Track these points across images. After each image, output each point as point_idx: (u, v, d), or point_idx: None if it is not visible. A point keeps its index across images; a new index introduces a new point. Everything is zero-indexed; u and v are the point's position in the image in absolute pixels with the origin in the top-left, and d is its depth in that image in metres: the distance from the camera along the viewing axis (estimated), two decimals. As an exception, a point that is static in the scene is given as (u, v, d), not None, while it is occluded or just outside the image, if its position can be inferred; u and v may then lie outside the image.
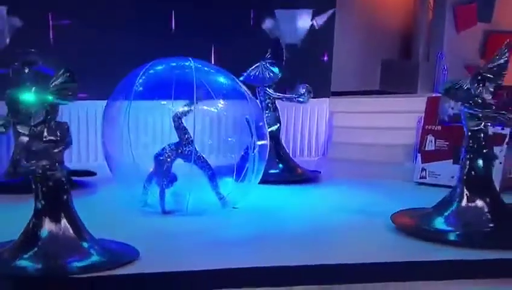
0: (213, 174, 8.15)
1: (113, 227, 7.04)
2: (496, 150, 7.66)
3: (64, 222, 6.00)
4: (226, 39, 11.26)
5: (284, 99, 10.27)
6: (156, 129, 9.57)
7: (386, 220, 7.36)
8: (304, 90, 10.12)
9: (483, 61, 12.12)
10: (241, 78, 9.42)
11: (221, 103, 8.26)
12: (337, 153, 11.67)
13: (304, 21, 11.98)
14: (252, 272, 5.97)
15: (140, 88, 7.84)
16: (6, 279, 5.71)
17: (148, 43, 10.46)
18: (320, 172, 10.37)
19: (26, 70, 9.19)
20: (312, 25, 11.83)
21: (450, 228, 6.97)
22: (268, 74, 9.88)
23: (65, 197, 6.07)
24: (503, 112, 6.85)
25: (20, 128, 6.53)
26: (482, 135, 6.98)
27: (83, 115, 10.87)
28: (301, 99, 10.20)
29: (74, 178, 8.93)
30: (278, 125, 10.13)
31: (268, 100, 10.01)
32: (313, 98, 11.75)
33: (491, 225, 6.90)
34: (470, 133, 7.01)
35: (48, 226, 5.97)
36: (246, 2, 11.60)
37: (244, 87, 8.30)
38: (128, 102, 7.76)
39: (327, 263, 6.13)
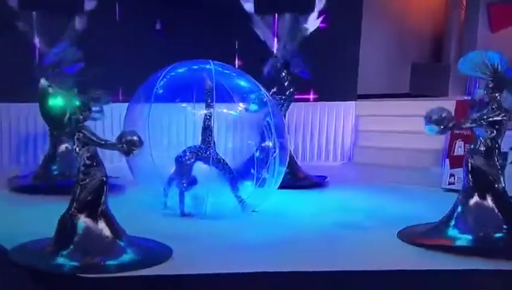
0: (234, 178, 8.14)
1: (131, 228, 6.98)
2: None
3: (101, 220, 6.18)
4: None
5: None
6: (179, 131, 9.56)
7: (403, 226, 7.33)
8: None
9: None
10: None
11: (240, 106, 8.25)
12: (363, 158, 11.48)
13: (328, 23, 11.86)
14: (267, 277, 5.98)
15: (161, 91, 7.90)
16: (45, 276, 5.88)
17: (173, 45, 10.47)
18: (326, 177, 10.25)
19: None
20: (337, 28, 11.67)
21: (460, 235, 6.88)
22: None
23: (103, 197, 6.23)
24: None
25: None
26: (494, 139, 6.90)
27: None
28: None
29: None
30: None
31: None
32: (338, 101, 11.83)
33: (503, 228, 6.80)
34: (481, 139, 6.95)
35: (85, 222, 6.13)
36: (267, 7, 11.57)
37: (264, 90, 8.26)
38: (149, 104, 7.81)
39: (342, 270, 6.16)
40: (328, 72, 11.45)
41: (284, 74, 9.96)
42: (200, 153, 7.99)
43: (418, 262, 6.46)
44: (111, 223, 6.26)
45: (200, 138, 8.12)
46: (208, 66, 8.02)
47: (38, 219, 7.36)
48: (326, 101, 11.57)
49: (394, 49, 14.36)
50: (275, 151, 8.16)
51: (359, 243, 7.09)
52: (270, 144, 8.22)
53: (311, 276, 6.01)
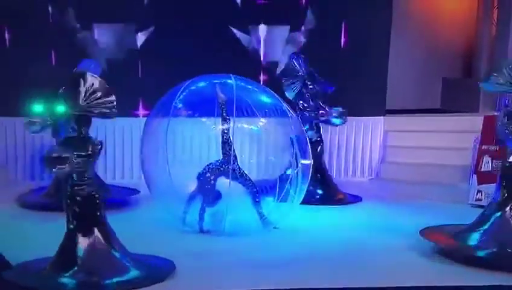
0: (256, 193, 8.01)
1: (148, 244, 7.01)
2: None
3: (99, 237, 6.03)
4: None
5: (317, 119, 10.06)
6: (198, 146, 9.54)
7: (428, 243, 7.17)
8: (336, 113, 9.93)
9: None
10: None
11: (262, 121, 8.15)
12: (390, 174, 11.30)
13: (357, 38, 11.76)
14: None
15: (180, 105, 7.84)
16: None
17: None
18: (361, 198, 10.10)
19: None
20: (366, 42, 11.55)
21: (486, 250, 6.72)
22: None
23: (98, 212, 6.08)
24: None
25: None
26: None
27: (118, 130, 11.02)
28: (334, 121, 10.04)
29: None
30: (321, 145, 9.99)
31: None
32: (367, 116, 11.68)
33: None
34: None
35: (82, 242, 5.98)
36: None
37: (286, 105, 8.15)
38: (168, 119, 7.74)
39: (362, 286, 6.10)
40: (356, 87, 11.33)
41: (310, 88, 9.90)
42: (222, 168, 7.88)
43: (443, 277, 6.38)
44: (109, 239, 6.12)
45: (219, 152, 8.01)
46: (229, 81, 7.93)
47: (47, 236, 7.11)
48: (355, 116, 11.40)
49: (424, 64, 14.15)
50: (297, 167, 8.03)
51: (382, 258, 6.99)
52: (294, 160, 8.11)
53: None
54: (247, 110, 8.01)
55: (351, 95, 11.00)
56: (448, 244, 7.01)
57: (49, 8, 10.77)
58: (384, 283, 6.15)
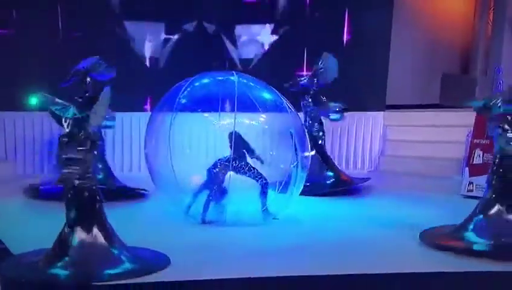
0: (266, 184, 8.26)
1: (151, 236, 7.23)
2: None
3: (96, 230, 6.09)
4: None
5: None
6: (201, 141, 9.78)
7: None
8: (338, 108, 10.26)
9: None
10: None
11: (262, 117, 8.39)
12: (387, 166, 11.68)
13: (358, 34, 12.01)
14: (286, 281, 6.08)
15: (184, 100, 8.02)
16: (40, 287, 5.86)
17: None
18: (369, 178, 10.53)
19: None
20: (366, 38, 11.81)
21: (480, 240, 6.96)
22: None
23: (97, 205, 6.16)
24: None
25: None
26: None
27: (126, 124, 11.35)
28: (333, 117, 10.35)
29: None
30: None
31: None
32: (367, 111, 11.96)
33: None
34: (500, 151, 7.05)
35: (79, 235, 6.05)
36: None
37: (286, 101, 8.40)
38: (172, 114, 7.94)
39: (359, 273, 6.27)
40: (357, 82, 11.60)
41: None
42: (232, 163, 8.04)
43: (437, 265, 6.56)
44: (106, 233, 6.18)
45: (223, 147, 8.21)
46: (231, 78, 8.15)
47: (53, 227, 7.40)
48: (355, 111, 11.66)
49: (424, 60, 14.39)
50: (296, 161, 8.30)
51: (378, 246, 7.21)
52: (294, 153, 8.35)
53: (322, 280, 6.13)
54: (249, 106, 8.25)
55: (352, 90, 11.33)
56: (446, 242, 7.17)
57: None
58: (379, 269, 6.33)
